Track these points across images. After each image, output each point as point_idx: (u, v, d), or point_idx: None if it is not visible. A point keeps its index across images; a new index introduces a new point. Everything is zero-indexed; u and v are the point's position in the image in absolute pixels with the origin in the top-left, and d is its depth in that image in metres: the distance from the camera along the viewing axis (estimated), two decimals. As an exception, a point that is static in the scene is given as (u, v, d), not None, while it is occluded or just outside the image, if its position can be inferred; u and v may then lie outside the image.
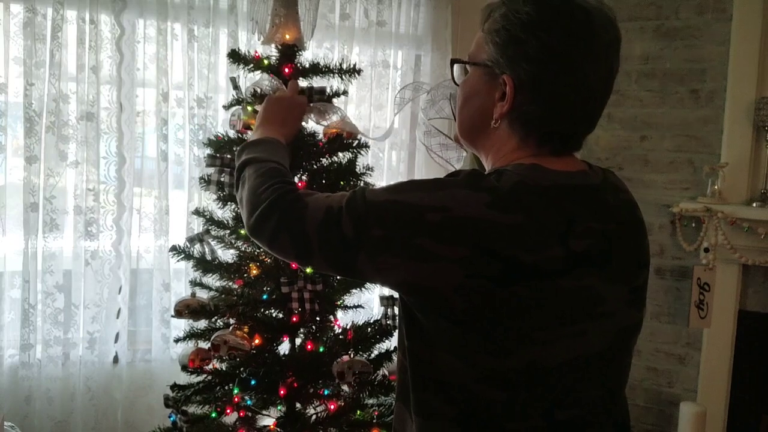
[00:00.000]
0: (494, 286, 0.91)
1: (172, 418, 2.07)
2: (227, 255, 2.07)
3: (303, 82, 1.93)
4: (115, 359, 2.82)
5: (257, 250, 1.99)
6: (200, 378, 2.03)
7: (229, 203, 1.94)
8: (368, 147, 1.90)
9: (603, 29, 0.98)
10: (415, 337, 1.00)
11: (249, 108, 1.85)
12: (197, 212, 2.02)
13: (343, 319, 2.14)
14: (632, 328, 1.07)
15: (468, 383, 0.96)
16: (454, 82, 1.13)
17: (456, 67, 1.11)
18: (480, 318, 0.93)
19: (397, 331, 1.11)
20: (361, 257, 0.97)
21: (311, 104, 1.82)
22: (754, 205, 3.07)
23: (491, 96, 1.02)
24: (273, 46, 1.92)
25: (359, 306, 2.15)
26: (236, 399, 1.97)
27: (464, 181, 0.96)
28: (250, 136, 1.46)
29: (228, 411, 2.00)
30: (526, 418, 0.97)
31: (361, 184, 1.96)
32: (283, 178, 1.16)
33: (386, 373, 2.12)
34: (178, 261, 2.06)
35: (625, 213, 1.05)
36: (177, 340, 2.08)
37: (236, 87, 1.96)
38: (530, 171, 0.98)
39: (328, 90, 1.90)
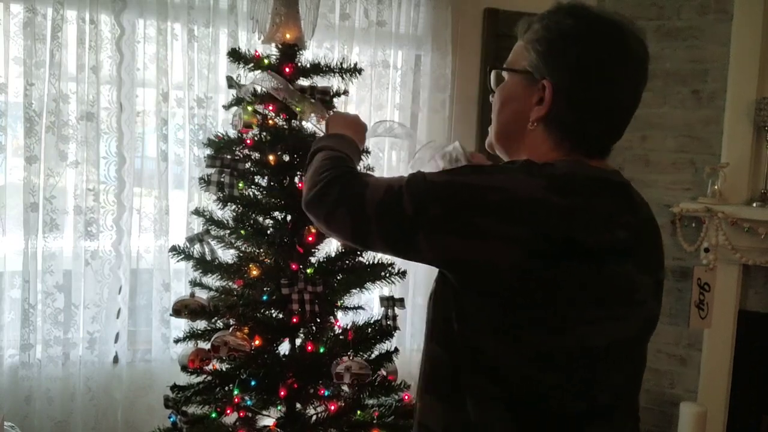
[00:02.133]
0: (550, 266, 0.95)
1: (172, 419, 2.07)
2: (227, 255, 2.06)
3: (304, 82, 1.92)
4: (115, 359, 2.81)
5: (257, 251, 1.98)
6: (200, 378, 2.03)
7: (229, 203, 1.94)
8: (368, 152, 1.89)
9: (635, 46, 1.07)
10: (466, 321, 1.01)
11: (249, 108, 1.85)
12: (197, 212, 2.02)
13: (343, 319, 2.13)
14: (654, 320, 1.11)
15: (518, 365, 0.99)
16: (490, 89, 1.19)
17: (493, 74, 1.18)
18: (535, 297, 0.96)
19: (430, 324, 1.11)
20: (420, 235, 1.00)
21: (312, 102, 1.82)
22: (755, 205, 3.07)
23: (529, 100, 1.08)
24: (273, 45, 1.92)
25: (359, 307, 2.14)
26: (236, 400, 1.97)
27: (521, 168, 1.02)
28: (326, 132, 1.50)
29: (228, 411, 2.00)
30: (571, 401, 1.01)
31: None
32: (347, 164, 1.20)
33: (384, 373, 2.12)
34: (178, 261, 2.05)
35: (647, 211, 1.12)
36: (177, 341, 2.08)
37: (232, 86, 1.95)
38: (575, 165, 1.05)
39: (331, 91, 1.90)
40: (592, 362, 1.01)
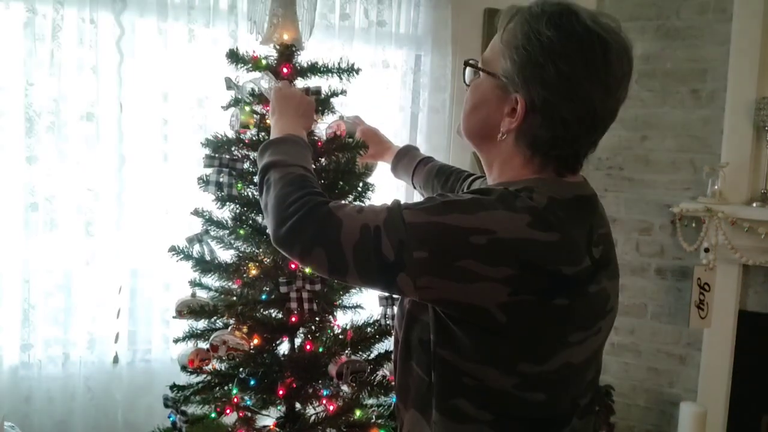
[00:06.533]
0: (539, 300, 0.95)
1: (171, 419, 2.07)
2: (226, 255, 2.07)
3: (301, 83, 1.93)
4: (115, 359, 2.82)
5: (256, 251, 1.98)
6: (199, 378, 2.03)
7: (227, 203, 1.94)
8: (367, 147, 1.89)
9: (618, 63, 1.01)
10: (450, 347, 1.02)
11: (247, 108, 1.85)
12: (196, 212, 2.02)
13: (342, 318, 2.13)
14: (615, 315, 1.14)
15: (503, 389, 1.00)
16: (465, 83, 1.16)
17: (467, 69, 1.15)
18: (522, 329, 0.97)
19: (404, 343, 1.12)
20: (401, 277, 0.97)
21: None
22: (755, 205, 3.07)
23: (500, 109, 1.05)
24: (271, 46, 1.92)
25: (358, 306, 2.14)
26: (235, 399, 1.97)
27: (502, 202, 0.97)
28: (272, 129, 1.42)
29: (227, 411, 2.00)
30: (558, 410, 1.05)
31: (361, 185, 1.96)
32: (311, 189, 1.12)
33: (386, 373, 2.12)
34: (177, 261, 2.05)
35: (606, 218, 1.13)
36: (177, 341, 2.08)
37: (230, 87, 1.95)
38: (554, 186, 1.02)
39: (325, 90, 1.90)
40: (571, 376, 1.04)
